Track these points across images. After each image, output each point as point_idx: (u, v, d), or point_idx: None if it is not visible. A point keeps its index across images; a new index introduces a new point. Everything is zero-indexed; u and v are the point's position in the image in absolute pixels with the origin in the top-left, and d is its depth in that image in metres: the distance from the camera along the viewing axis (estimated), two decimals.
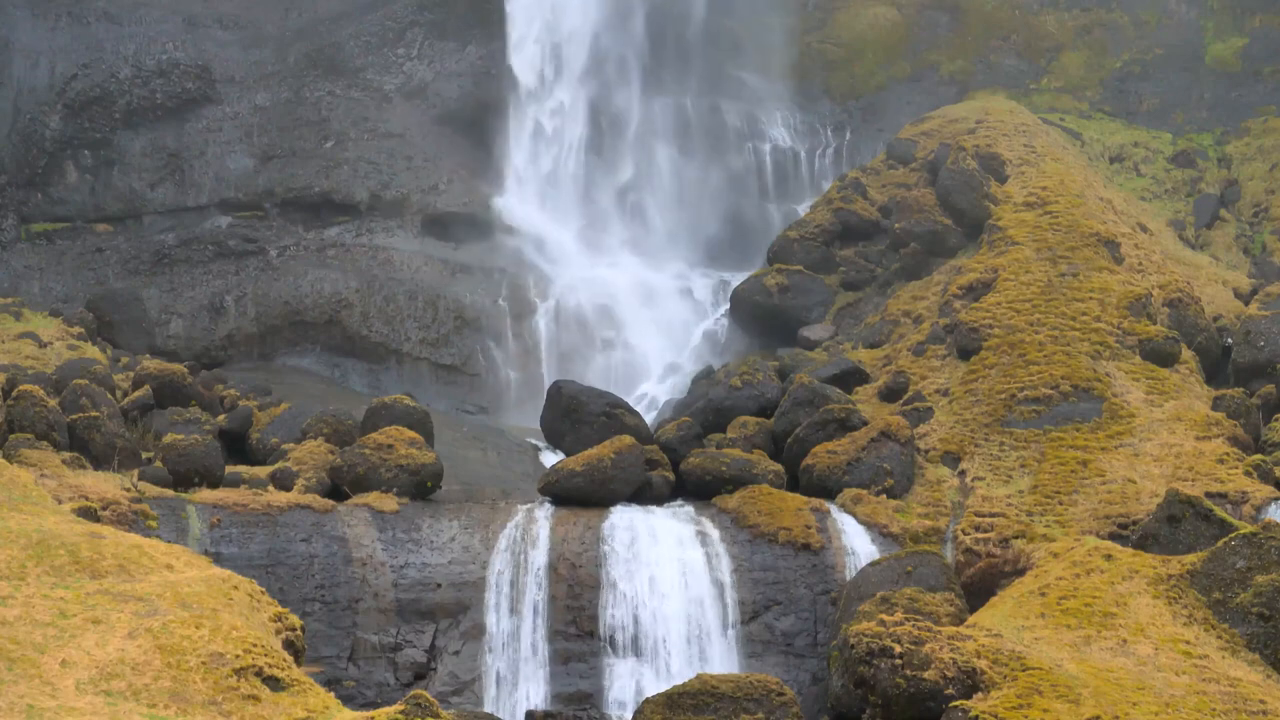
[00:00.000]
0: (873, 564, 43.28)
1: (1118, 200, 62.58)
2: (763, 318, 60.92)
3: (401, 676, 42.12)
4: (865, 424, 48.52)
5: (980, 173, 60.69)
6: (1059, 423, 48.52)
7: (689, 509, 46.08)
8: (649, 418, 54.27)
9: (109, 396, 47.68)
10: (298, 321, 62.83)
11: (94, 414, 45.59)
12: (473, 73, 68.75)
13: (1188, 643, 37.07)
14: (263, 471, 45.88)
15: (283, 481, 45.04)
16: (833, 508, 45.81)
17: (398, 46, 68.37)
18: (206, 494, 43.59)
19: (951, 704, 34.39)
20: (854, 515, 45.57)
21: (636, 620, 42.82)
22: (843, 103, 74.24)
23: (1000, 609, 39.40)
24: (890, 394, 52.10)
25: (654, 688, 40.60)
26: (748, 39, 75.44)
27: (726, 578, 43.64)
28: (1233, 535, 39.26)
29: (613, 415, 49.73)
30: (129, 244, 63.70)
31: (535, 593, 43.14)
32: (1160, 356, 51.38)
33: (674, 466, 48.04)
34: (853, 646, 35.98)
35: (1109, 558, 40.15)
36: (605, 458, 46.14)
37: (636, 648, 42.64)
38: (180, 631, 31.37)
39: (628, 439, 47.03)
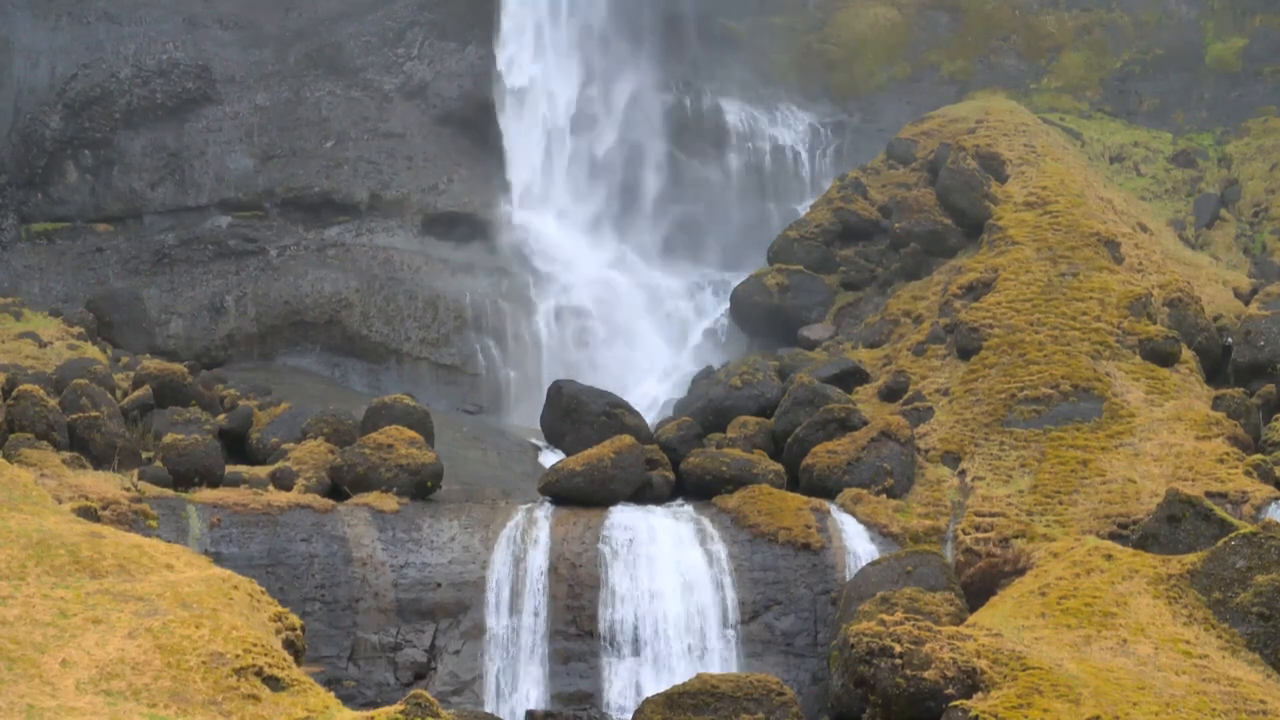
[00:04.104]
0: (873, 564, 43.27)
1: (1118, 200, 62.58)
2: (763, 318, 60.92)
3: (401, 676, 42.12)
4: (865, 424, 48.51)
5: (980, 173, 60.68)
6: (1059, 422, 48.51)
7: (689, 509, 46.08)
8: (649, 418, 54.25)
9: (109, 396, 47.67)
10: (298, 321, 62.86)
11: (94, 414, 45.57)
12: (473, 73, 68.77)
13: (1188, 642, 37.07)
14: (263, 471, 45.87)
15: (283, 481, 45.04)
16: (833, 508, 45.81)
17: (398, 46, 68.38)
18: (206, 494, 43.57)
19: (951, 704, 34.38)
20: (854, 515, 45.56)
21: (636, 620, 42.81)
22: (843, 103, 74.26)
23: (1000, 609, 39.40)
24: (890, 394, 52.10)
25: (654, 688, 40.58)
26: (748, 39, 75.47)
27: (726, 577, 43.62)
28: (1233, 535, 39.25)
29: (613, 415, 49.73)
30: (129, 244, 63.71)
31: (535, 592, 43.14)
32: (1160, 356, 51.38)
33: (674, 466, 48.03)
34: (853, 646, 35.97)
35: (1109, 557, 40.14)
36: (605, 458, 46.14)
37: (636, 648, 42.63)
38: (180, 631, 31.37)
39: (628, 439, 47.02)
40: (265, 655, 31.18)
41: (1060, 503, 45.63)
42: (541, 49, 70.93)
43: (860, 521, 45.36)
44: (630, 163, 70.32)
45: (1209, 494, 44.20)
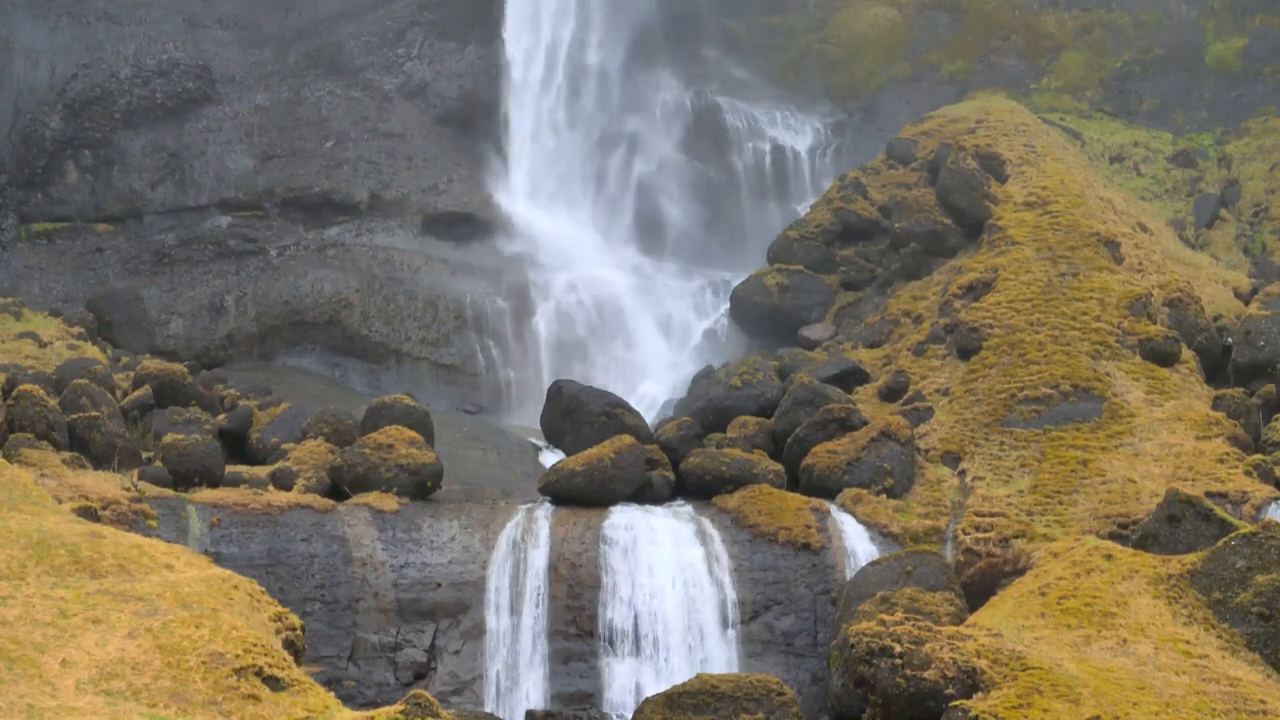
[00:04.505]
0: (873, 564, 43.27)
1: (1118, 200, 62.58)
2: (763, 318, 60.92)
3: (401, 676, 42.12)
4: (865, 424, 48.51)
5: (980, 173, 60.68)
6: (1059, 422, 48.51)
7: (689, 509, 46.08)
8: (649, 418, 54.26)
9: (109, 396, 47.67)
10: (298, 321, 62.84)
11: (94, 414, 45.57)
12: (472, 73, 68.74)
13: (1188, 642, 37.07)
14: (263, 471, 45.87)
15: (283, 481, 45.04)
16: (833, 508, 45.81)
17: (398, 46, 68.37)
18: (206, 494, 43.57)
19: (951, 704, 34.38)
20: (854, 515, 45.56)
21: (636, 620, 42.81)
22: (843, 103, 74.24)
23: (1000, 609, 39.40)
24: (890, 394, 52.10)
25: (654, 688, 40.59)
26: (748, 39, 75.46)
27: (726, 577, 43.62)
28: (1233, 535, 39.25)
29: (613, 415, 49.73)
30: (129, 244, 63.70)
31: (535, 592, 43.14)
32: (1160, 356, 51.38)
33: (674, 466, 48.03)
34: (853, 646, 35.97)
35: (1109, 557, 40.15)
36: (605, 457, 46.13)
37: (636, 647, 42.63)
38: (180, 631, 31.37)
39: (628, 439, 47.02)
40: (265, 655, 31.19)
41: (1060, 503, 45.63)
42: (542, 49, 70.82)
43: (860, 521, 45.36)
44: (631, 163, 70.26)
45: (1209, 494, 44.19)
